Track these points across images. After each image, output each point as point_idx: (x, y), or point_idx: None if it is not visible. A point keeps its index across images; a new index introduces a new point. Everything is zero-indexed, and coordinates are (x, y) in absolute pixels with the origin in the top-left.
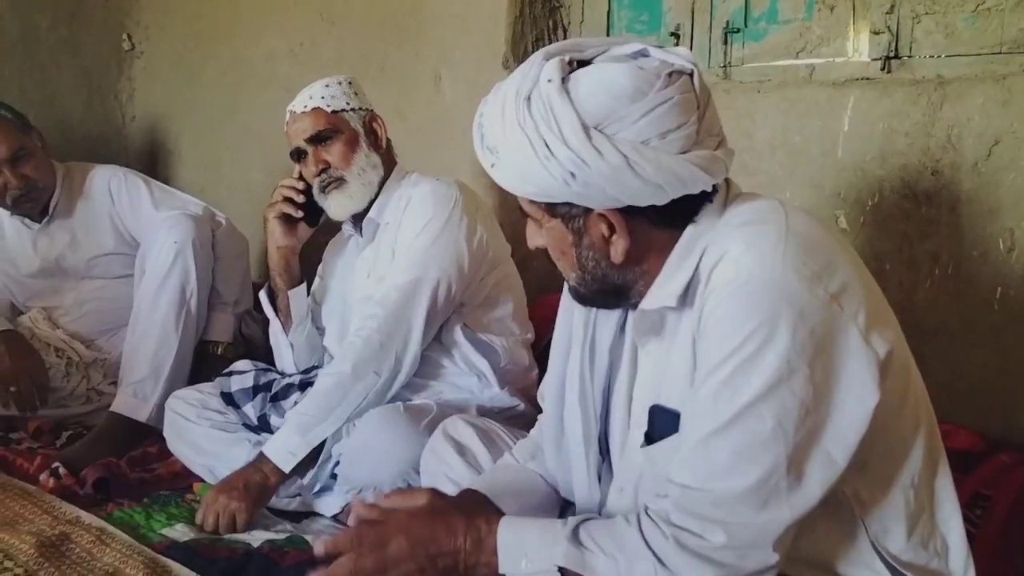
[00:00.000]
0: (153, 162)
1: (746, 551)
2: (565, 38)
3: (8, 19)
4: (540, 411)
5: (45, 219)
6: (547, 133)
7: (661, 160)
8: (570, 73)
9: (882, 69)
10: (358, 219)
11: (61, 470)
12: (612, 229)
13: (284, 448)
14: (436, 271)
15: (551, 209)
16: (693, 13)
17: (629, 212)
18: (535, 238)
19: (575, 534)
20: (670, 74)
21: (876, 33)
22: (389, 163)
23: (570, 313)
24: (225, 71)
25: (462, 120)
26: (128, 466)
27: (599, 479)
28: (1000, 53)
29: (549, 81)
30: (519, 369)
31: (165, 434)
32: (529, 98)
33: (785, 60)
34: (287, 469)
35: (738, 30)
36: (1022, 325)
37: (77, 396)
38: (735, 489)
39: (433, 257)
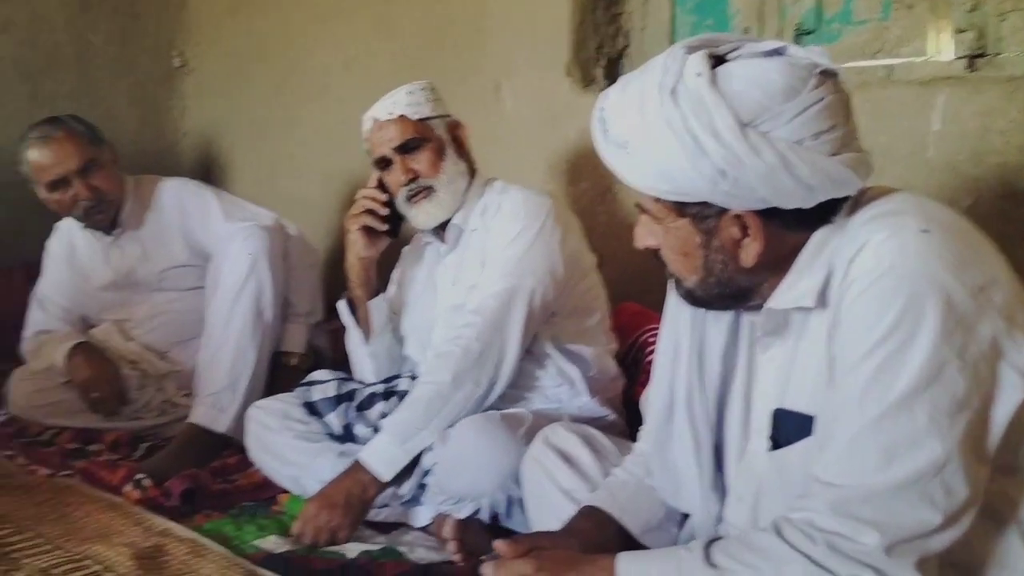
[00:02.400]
0: (206, 176)
1: (899, 552)
2: (627, 45)
3: (64, 38)
4: (629, 421)
5: (115, 231)
6: (697, 128)
7: (816, 161)
8: (713, 68)
9: (968, 67)
10: (439, 226)
11: (145, 481)
12: (745, 231)
13: (383, 457)
14: (531, 279)
15: (681, 208)
16: (762, 16)
17: (766, 214)
18: (647, 238)
19: (708, 557)
20: (820, 73)
21: (960, 31)
22: (471, 169)
23: (676, 319)
24: (277, 85)
25: (523, 128)
26: (209, 477)
27: (713, 489)
28: None
29: (698, 75)
30: (607, 379)
31: (247, 444)
32: (674, 91)
33: (862, 61)
34: (387, 478)
35: (810, 32)
36: None
37: (151, 408)
38: (887, 485)
39: (528, 265)
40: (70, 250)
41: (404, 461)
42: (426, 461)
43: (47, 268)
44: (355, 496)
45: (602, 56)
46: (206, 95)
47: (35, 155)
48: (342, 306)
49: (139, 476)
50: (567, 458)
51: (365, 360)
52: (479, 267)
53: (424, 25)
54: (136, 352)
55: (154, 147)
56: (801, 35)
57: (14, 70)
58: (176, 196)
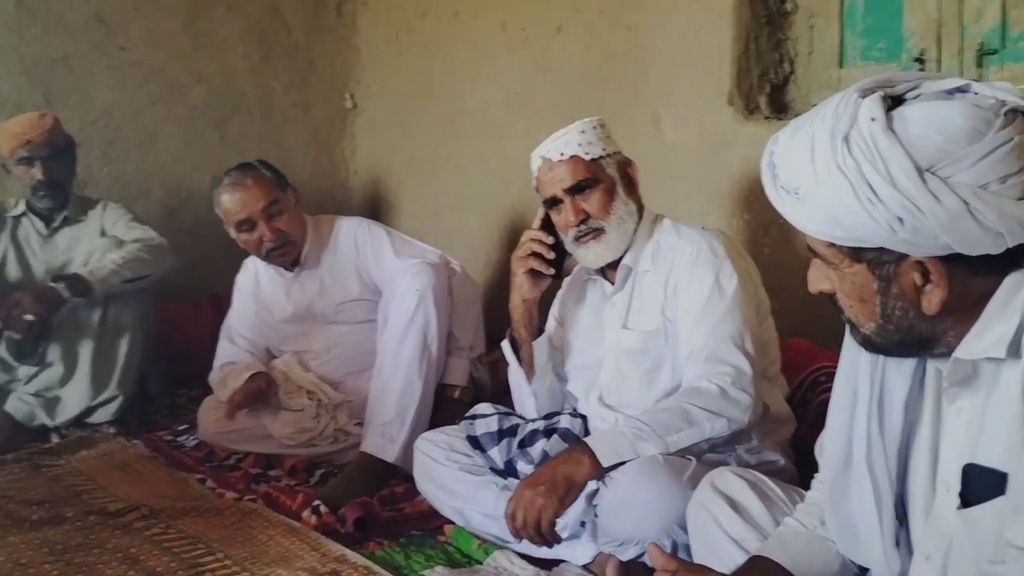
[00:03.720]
0: (375, 212)
1: None
2: (792, 71)
3: (249, 86)
4: (800, 467)
5: (296, 268)
6: (872, 176)
7: (1003, 206)
8: (889, 111)
9: None
10: (607, 265)
11: (322, 508)
12: (927, 278)
13: (610, 445)
14: (742, 326)
15: (856, 254)
16: (940, 36)
17: (950, 259)
18: (821, 282)
19: None
20: (1007, 112)
21: None
22: (640, 208)
23: (853, 364)
24: (441, 122)
25: (684, 159)
26: (379, 504)
27: (897, 546)
28: None
29: (872, 120)
30: (778, 422)
31: (415, 475)
32: (847, 138)
33: None
34: (606, 464)
35: (994, 51)
36: None
37: (326, 436)
38: None
39: (737, 313)
40: (255, 285)
41: (627, 457)
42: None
43: (235, 302)
44: (565, 476)
45: (766, 83)
46: (375, 134)
47: (226, 198)
48: (506, 346)
49: (316, 503)
50: (735, 505)
51: (527, 398)
52: (656, 311)
53: (584, 60)
54: (313, 382)
55: (327, 184)
56: (984, 55)
57: (206, 117)
58: (351, 234)
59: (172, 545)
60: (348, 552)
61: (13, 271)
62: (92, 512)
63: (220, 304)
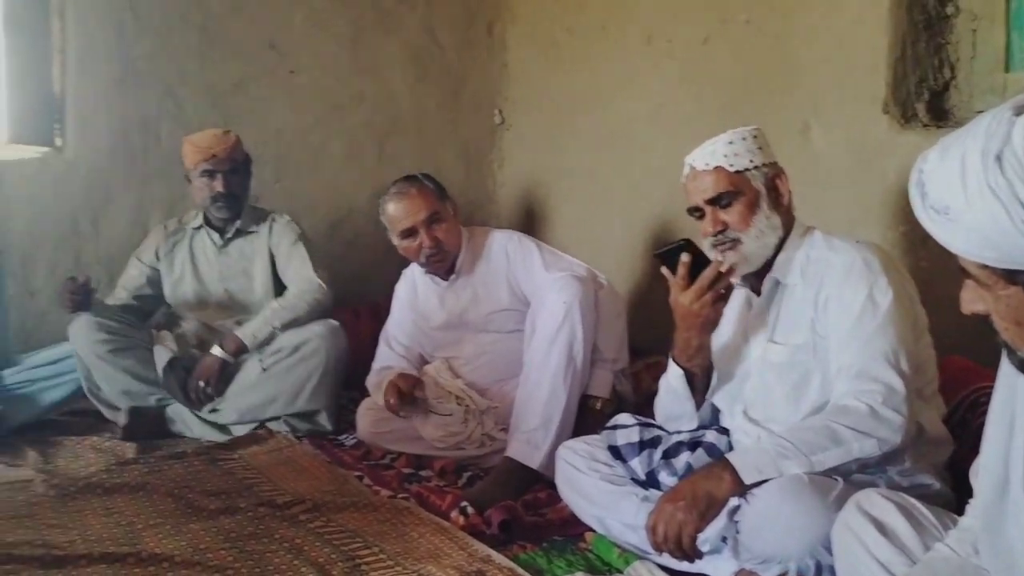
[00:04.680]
0: (521, 225)
1: None
2: (952, 77)
3: (405, 105)
4: (957, 491)
5: (451, 277)
6: None
7: None
8: None
9: None
10: (753, 275)
11: (469, 509)
12: None
13: (753, 462)
14: (896, 343)
15: (1010, 276)
16: None
17: None
18: (975, 303)
19: None
20: None
21: None
22: (789, 220)
23: (1011, 388)
24: (586, 137)
25: (834, 170)
26: (523, 509)
27: None
28: None
29: None
30: (934, 443)
31: (556, 482)
32: (1000, 157)
33: None
34: (748, 480)
35: None
36: None
37: (473, 440)
38: None
39: (891, 330)
40: (413, 294)
41: (770, 475)
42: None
43: (394, 310)
44: (706, 491)
45: (924, 90)
46: (522, 148)
47: (391, 207)
48: (679, 380)
49: (463, 504)
50: (882, 527)
51: (688, 421)
52: (804, 325)
53: (730, 70)
54: (461, 388)
55: (476, 197)
56: None
57: (366, 134)
58: (503, 246)
59: (332, 537)
60: (493, 553)
61: (189, 283)
62: (262, 504)
63: (377, 312)
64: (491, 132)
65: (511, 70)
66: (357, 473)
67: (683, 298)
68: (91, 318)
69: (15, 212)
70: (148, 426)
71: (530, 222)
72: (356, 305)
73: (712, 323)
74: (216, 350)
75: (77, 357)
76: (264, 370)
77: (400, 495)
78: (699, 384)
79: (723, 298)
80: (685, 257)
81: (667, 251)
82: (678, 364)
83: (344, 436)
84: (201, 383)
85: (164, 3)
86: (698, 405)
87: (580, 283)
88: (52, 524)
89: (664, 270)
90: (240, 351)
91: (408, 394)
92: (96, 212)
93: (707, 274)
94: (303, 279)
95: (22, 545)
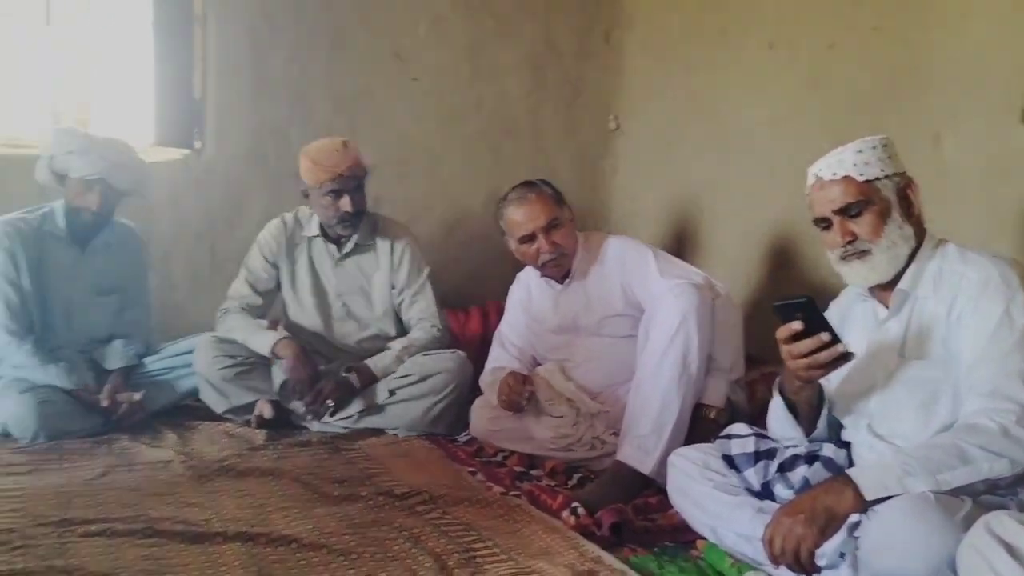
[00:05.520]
0: (634, 231)
1: None
2: None
3: (521, 111)
4: None
5: (566, 281)
6: None
7: None
8: None
9: None
10: (880, 288)
11: (579, 509)
12: None
13: (875, 479)
14: None
15: None
16: None
17: None
18: None
19: None
20: None
21: None
22: (920, 232)
23: None
24: (703, 143)
25: (967, 182)
26: (633, 513)
27: None
28: None
29: None
30: None
31: (668, 488)
32: None
33: None
34: (871, 497)
35: None
36: None
37: (583, 443)
38: None
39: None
40: (527, 297)
41: (894, 492)
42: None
43: (508, 312)
44: (826, 507)
45: None
46: (636, 155)
47: (511, 212)
48: (782, 410)
49: (574, 504)
50: (1012, 551)
51: (797, 442)
52: (935, 340)
53: (857, 78)
54: (573, 391)
55: (588, 203)
56: None
57: (482, 141)
58: (619, 252)
59: (448, 529)
60: (604, 554)
61: (305, 288)
62: (382, 493)
63: (488, 313)
64: (606, 138)
65: (627, 76)
66: (470, 469)
67: (790, 363)
68: (212, 339)
69: (158, 210)
70: (281, 417)
71: (644, 228)
72: (467, 306)
73: (818, 379)
74: (351, 376)
75: (199, 376)
76: (391, 393)
77: (512, 492)
78: (804, 414)
79: (832, 368)
80: (797, 325)
81: (785, 305)
82: (783, 395)
83: (458, 432)
84: (329, 402)
85: (297, 15)
86: (807, 432)
87: (696, 291)
88: (191, 503)
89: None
90: (370, 383)
91: (520, 395)
92: (230, 211)
93: (822, 357)
94: (429, 318)
95: (164, 520)
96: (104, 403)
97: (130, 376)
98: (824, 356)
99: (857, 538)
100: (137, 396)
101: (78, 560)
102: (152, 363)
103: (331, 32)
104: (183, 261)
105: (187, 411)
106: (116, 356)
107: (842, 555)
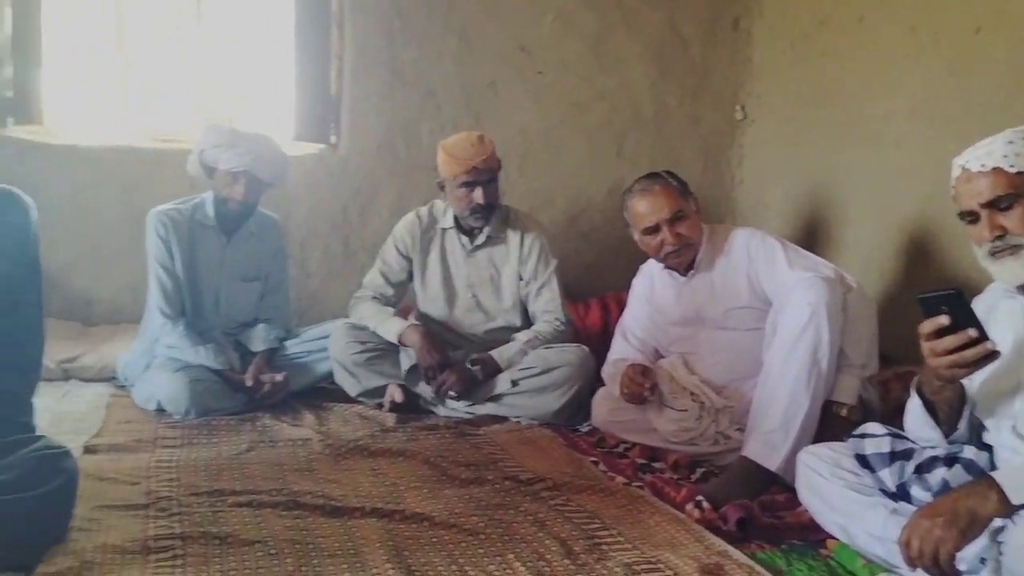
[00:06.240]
0: (761, 223)
1: None
2: None
3: (645, 101)
4: None
5: (690, 272)
6: None
7: None
8: None
9: None
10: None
11: (704, 503)
12: None
13: (1022, 482)
14: None
15: None
16: None
17: None
18: None
19: None
20: None
21: None
22: None
23: None
24: (834, 132)
25: None
26: (759, 509)
27: None
28: None
29: None
30: None
31: (796, 486)
32: None
33: None
34: (1017, 501)
35: None
36: None
37: (707, 437)
38: None
39: None
40: (651, 289)
41: None
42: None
43: (631, 303)
44: (968, 509)
45: None
46: (763, 144)
47: (635, 204)
48: (920, 410)
49: (699, 498)
50: None
51: (935, 443)
52: None
53: (1006, 64)
54: (696, 385)
55: (712, 193)
56: None
57: (605, 132)
58: (745, 243)
59: (572, 515)
60: (731, 548)
61: (435, 278)
62: (507, 478)
63: (608, 305)
64: (732, 128)
65: (755, 64)
66: (592, 459)
67: (932, 360)
68: (346, 325)
69: (296, 202)
70: (409, 401)
71: (771, 219)
72: (587, 298)
73: (961, 378)
74: (475, 369)
75: (333, 360)
76: (514, 384)
77: (635, 483)
78: (944, 414)
79: (977, 368)
80: (943, 319)
81: (930, 298)
82: (921, 394)
83: (579, 422)
84: (453, 393)
85: (428, 12)
86: (946, 434)
87: (827, 284)
88: (329, 479)
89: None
90: (495, 374)
91: (642, 386)
92: (363, 203)
93: (968, 355)
94: (554, 311)
95: (306, 494)
96: (249, 383)
97: (272, 358)
98: (970, 354)
99: (1000, 543)
100: (279, 377)
101: (229, 528)
102: (292, 347)
103: (460, 27)
104: (318, 250)
105: (323, 393)
106: (260, 339)
107: (983, 560)
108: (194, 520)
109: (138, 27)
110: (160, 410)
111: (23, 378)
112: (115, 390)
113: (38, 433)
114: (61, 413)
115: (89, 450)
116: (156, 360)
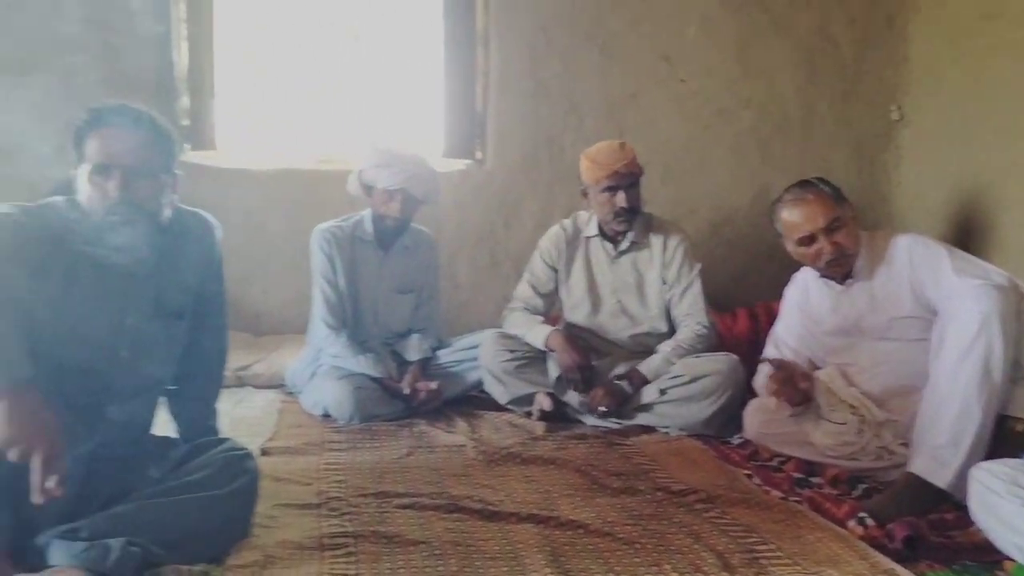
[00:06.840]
0: (922, 227)
1: None
2: None
3: (792, 106)
4: None
5: (848, 281)
6: None
7: None
8: None
9: None
10: None
11: (868, 520)
12: None
13: None
14: None
15: None
16: None
17: None
18: None
19: None
20: None
21: None
22: None
23: None
24: (1002, 132)
25: None
26: (928, 528)
27: None
28: None
29: None
30: None
31: (969, 504)
32: None
33: None
34: None
35: None
36: None
37: (867, 452)
38: None
39: None
40: (804, 298)
41: None
42: None
43: (783, 313)
44: None
45: None
46: (922, 145)
47: (788, 214)
48: None
49: (862, 514)
50: None
51: None
52: None
53: None
54: (856, 397)
55: (866, 198)
56: None
57: (750, 139)
58: (907, 250)
59: (728, 529)
60: (898, 567)
61: (580, 286)
62: (659, 489)
63: (756, 315)
64: (887, 129)
65: (912, 63)
66: (746, 472)
67: None
68: (496, 334)
69: (445, 217)
70: (558, 410)
71: (932, 223)
72: (733, 308)
73: None
74: (623, 384)
75: (483, 368)
76: (662, 392)
77: (792, 498)
78: None
79: None
80: None
81: None
82: None
83: (731, 435)
84: (602, 408)
85: (571, 26)
86: None
87: (1000, 292)
88: (484, 484)
89: None
90: (642, 385)
91: (798, 391)
92: (508, 216)
93: None
94: (696, 315)
95: (464, 498)
96: (406, 391)
97: (426, 367)
98: None
99: None
100: (434, 385)
101: (396, 528)
102: (444, 356)
103: (601, 40)
104: (466, 263)
105: (474, 401)
106: (415, 349)
107: None
108: (363, 520)
109: (299, 54)
110: (326, 415)
111: (211, 385)
112: (284, 396)
113: (222, 436)
114: (237, 418)
115: (265, 452)
116: (321, 369)
